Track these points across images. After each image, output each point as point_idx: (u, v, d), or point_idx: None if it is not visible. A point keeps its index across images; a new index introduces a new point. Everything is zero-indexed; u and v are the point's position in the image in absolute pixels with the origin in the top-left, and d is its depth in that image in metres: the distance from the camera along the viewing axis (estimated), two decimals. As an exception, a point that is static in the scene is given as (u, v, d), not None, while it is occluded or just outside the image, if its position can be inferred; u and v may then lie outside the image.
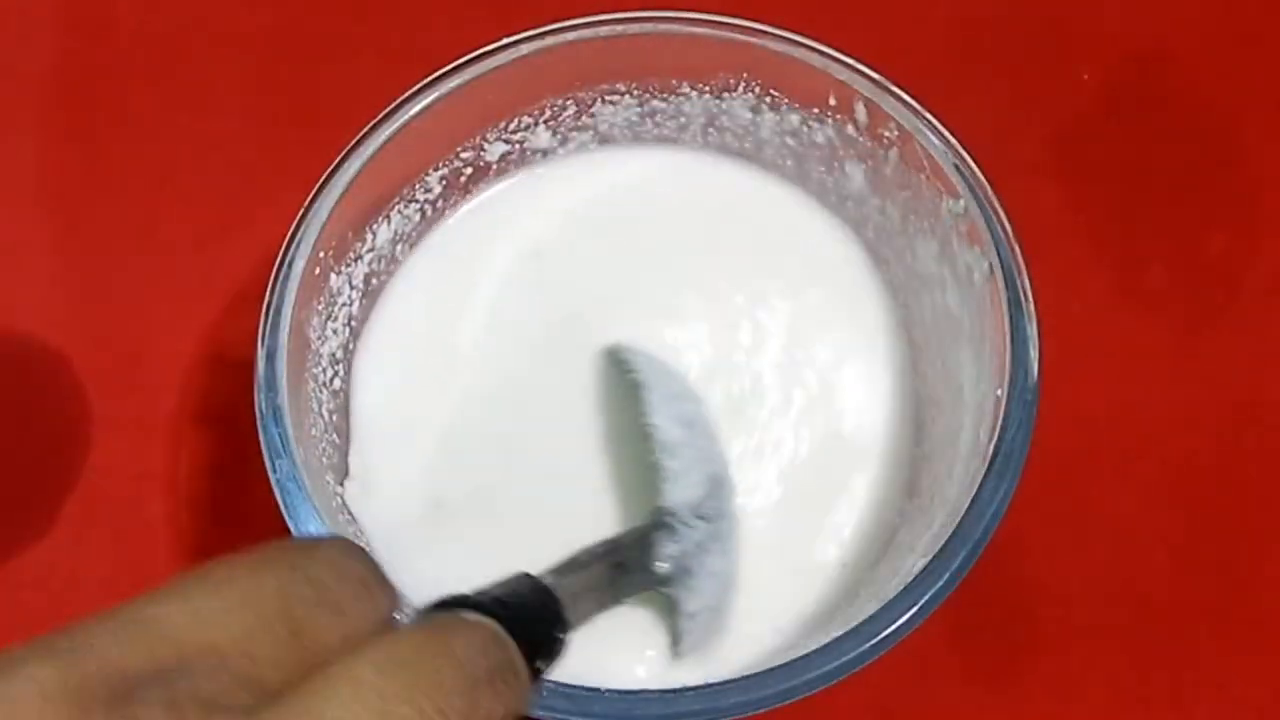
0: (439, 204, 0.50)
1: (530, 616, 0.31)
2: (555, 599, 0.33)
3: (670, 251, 0.50)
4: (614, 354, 0.47)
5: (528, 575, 0.33)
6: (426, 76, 0.46)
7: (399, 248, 0.49)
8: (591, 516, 0.45)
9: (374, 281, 0.48)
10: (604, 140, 0.51)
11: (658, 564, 0.42)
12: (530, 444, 0.47)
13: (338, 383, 0.47)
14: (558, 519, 0.45)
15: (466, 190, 0.50)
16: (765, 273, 0.50)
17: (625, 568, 0.40)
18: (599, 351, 0.48)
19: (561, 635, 0.32)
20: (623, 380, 0.46)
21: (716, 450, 0.46)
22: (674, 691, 0.38)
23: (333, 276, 0.46)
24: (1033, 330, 0.42)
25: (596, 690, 0.38)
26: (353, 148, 0.45)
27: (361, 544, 0.43)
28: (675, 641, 0.44)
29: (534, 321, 0.49)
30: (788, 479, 0.47)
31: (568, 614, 0.33)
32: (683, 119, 0.50)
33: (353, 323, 0.48)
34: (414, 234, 0.50)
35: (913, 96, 0.46)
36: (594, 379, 0.47)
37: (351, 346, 0.48)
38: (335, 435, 0.46)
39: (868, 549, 0.45)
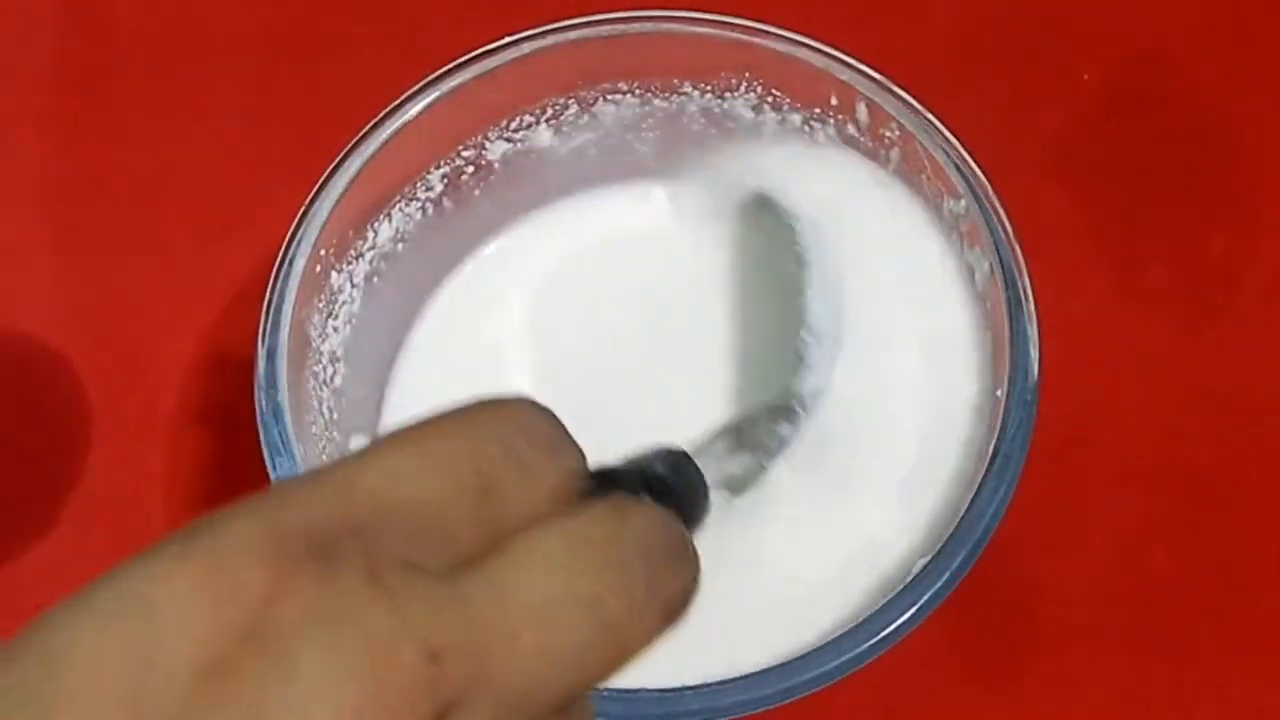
0: (444, 202, 0.50)
1: (689, 495, 0.31)
2: (703, 478, 0.33)
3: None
4: (766, 205, 0.46)
5: (680, 452, 0.33)
6: (427, 76, 0.46)
7: (400, 246, 0.49)
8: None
9: (375, 279, 0.48)
10: (605, 138, 0.51)
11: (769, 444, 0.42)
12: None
13: (339, 380, 0.47)
14: None
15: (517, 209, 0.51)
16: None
17: (742, 447, 0.40)
18: (744, 198, 0.47)
19: (706, 512, 0.33)
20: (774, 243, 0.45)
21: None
22: (673, 691, 0.38)
23: (334, 274, 0.46)
24: (1033, 330, 0.42)
25: (595, 689, 0.38)
26: (354, 146, 0.45)
27: None
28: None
29: (578, 320, 0.49)
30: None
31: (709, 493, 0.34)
32: (684, 118, 0.51)
33: (353, 321, 0.48)
34: (410, 237, 0.50)
35: (914, 96, 0.46)
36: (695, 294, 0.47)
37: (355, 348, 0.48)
38: (336, 433, 0.46)
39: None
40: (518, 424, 0.25)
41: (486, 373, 0.49)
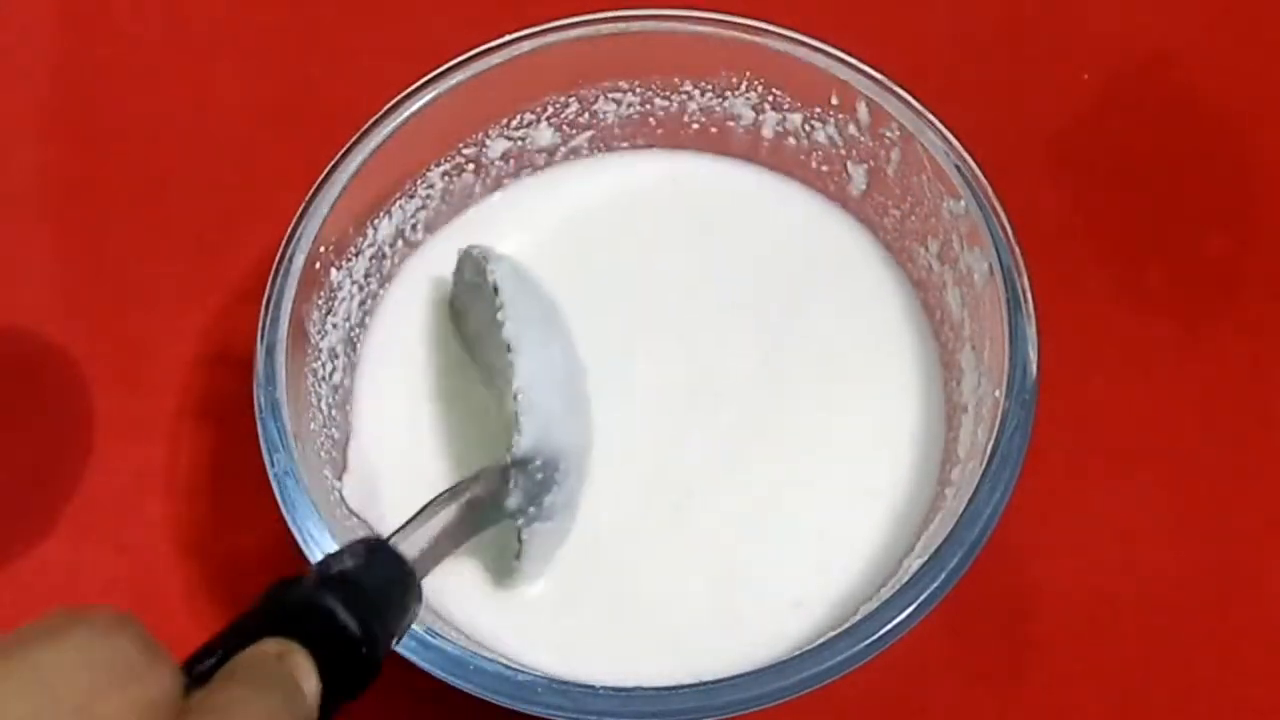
0: (443, 201, 0.50)
1: (383, 587, 0.33)
2: (412, 575, 0.35)
3: (682, 252, 0.50)
4: (475, 262, 0.45)
5: (376, 542, 0.35)
6: (427, 74, 0.46)
7: (400, 243, 0.49)
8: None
9: (375, 277, 0.48)
10: (605, 137, 0.51)
11: (509, 500, 0.42)
12: None
13: (337, 377, 0.47)
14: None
15: (469, 194, 0.51)
16: (785, 274, 0.50)
17: (475, 505, 0.41)
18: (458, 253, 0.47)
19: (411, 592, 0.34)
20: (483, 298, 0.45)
21: (577, 422, 0.45)
22: (669, 689, 0.38)
23: (333, 271, 0.46)
24: (1032, 331, 0.42)
25: (591, 688, 0.38)
26: (354, 143, 0.45)
27: (362, 534, 0.43)
28: (515, 557, 0.43)
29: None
30: (817, 471, 0.46)
31: (418, 572, 0.35)
32: (685, 117, 0.51)
33: (352, 318, 0.48)
34: (411, 235, 0.50)
35: (914, 96, 0.46)
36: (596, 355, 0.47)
37: (355, 344, 0.48)
38: (334, 430, 0.46)
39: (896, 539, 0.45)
40: (86, 660, 0.23)
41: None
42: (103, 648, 0.24)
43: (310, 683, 0.28)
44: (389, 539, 0.36)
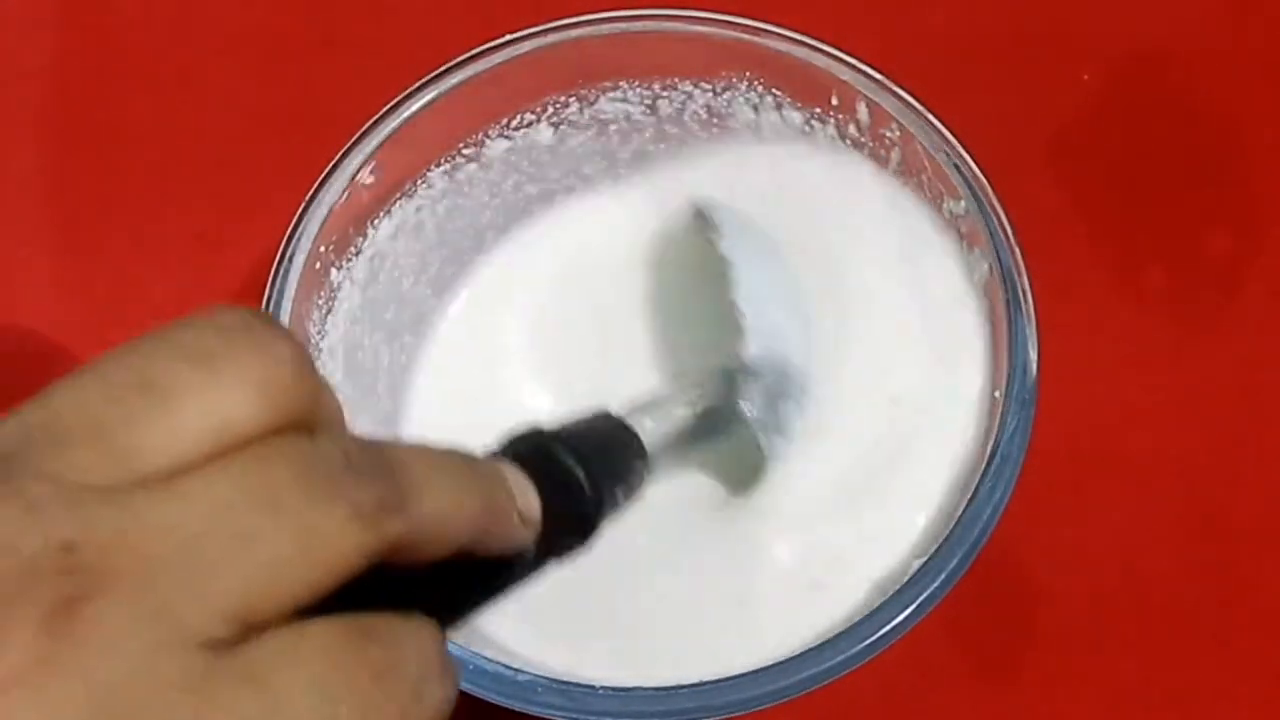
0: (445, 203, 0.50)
1: (607, 459, 0.31)
2: (637, 439, 0.33)
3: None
4: (703, 214, 0.46)
5: (609, 414, 0.33)
6: (427, 74, 0.46)
7: (400, 243, 0.49)
8: None
9: (376, 276, 0.48)
10: (605, 135, 0.51)
11: (744, 406, 0.41)
12: None
13: (337, 377, 0.47)
14: None
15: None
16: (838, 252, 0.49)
17: (710, 413, 0.40)
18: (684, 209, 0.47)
19: (641, 475, 0.33)
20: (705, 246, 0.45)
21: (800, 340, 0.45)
22: (669, 689, 0.38)
23: (333, 271, 0.46)
24: (1031, 331, 0.42)
25: (591, 688, 0.38)
26: (354, 143, 0.45)
27: None
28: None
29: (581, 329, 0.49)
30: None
31: (650, 460, 0.34)
32: (685, 117, 0.51)
33: (353, 318, 0.48)
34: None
35: (914, 96, 0.46)
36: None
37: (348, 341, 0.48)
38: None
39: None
40: (203, 326, 0.22)
41: (498, 378, 0.49)
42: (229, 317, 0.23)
43: (531, 497, 0.26)
44: (620, 416, 0.34)
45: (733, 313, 0.42)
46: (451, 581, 0.25)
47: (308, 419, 0.23)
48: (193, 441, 0.21)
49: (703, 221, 0.46)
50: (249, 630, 0.20)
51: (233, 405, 0.22)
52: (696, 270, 0.46)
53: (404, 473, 0.23)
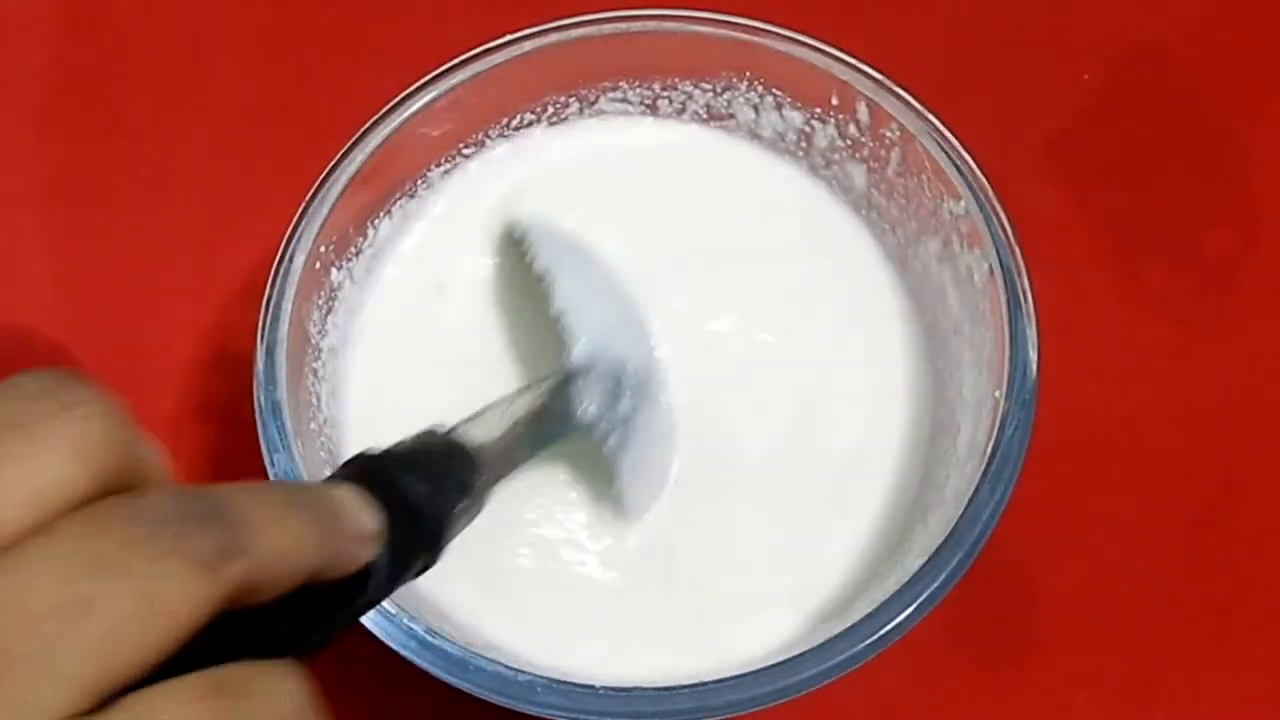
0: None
1: (435, 473, 0.31)
2: (464, 450, 0.34)
3: (668, 227, 0.50)
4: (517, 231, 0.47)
5: (433, 431, 0.34)
6: (427, 74, 0.46)
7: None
8: None
9: (375, 276, 0.48)
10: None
11: (576, 409, 0.42)
12: None
13: (337, 378, 0.47)
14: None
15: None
16: (771, 251, 0.49)
17: (542, 414, 0.41)
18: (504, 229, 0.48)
19: (475, 482, 0.33)
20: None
21: (630, 334, 0.45)
22: (669, 689, 0.38)
23: (333, 271, 0.46)
24: (1031, 331, 0.42)
25: (591, 688, 0.38)
26: (355, 142, 0.45)
27: None
28: (618, 502, 0.44)
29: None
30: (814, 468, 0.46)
31: (490, 471, 0.34)
32: (685, 117, 0.51)
33: (352, 317, 0.48)
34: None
35: (914, 96, 0.46)
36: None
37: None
38: (334, 430, 0.46)
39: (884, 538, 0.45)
40: (5, 395, 0.22)
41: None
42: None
43: (367, 514, 0.26)
44: (446, 430, 0.35)
45: (557, 320, 0.43)
46: (305, 612, 0.25)
47: (129, 475, 0.22)
48: (14, 515, 0.21)
49: (517, 241, 0.47)
50: (105, 699, 0.20)
51: (49, 472, 0.21)
52: (525, 287, 0.47)
53: (236, 515, 0.22)
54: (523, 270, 0.47)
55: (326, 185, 0.45)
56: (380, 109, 0.46)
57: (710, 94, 0.50)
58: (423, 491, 0.30)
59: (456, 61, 0.47)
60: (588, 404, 0.42)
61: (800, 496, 0.46)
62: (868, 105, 0.47)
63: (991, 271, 0.43)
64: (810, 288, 0.49)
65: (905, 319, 0.48)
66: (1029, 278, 0.43)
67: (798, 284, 0.49)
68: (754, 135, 0.50)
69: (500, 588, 0.44)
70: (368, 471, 0.29)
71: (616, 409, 0.43)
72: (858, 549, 0.45)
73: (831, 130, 0.48)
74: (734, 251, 0.49)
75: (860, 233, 0.50)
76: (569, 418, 0.42)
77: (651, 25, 0.47)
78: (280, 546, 0.23)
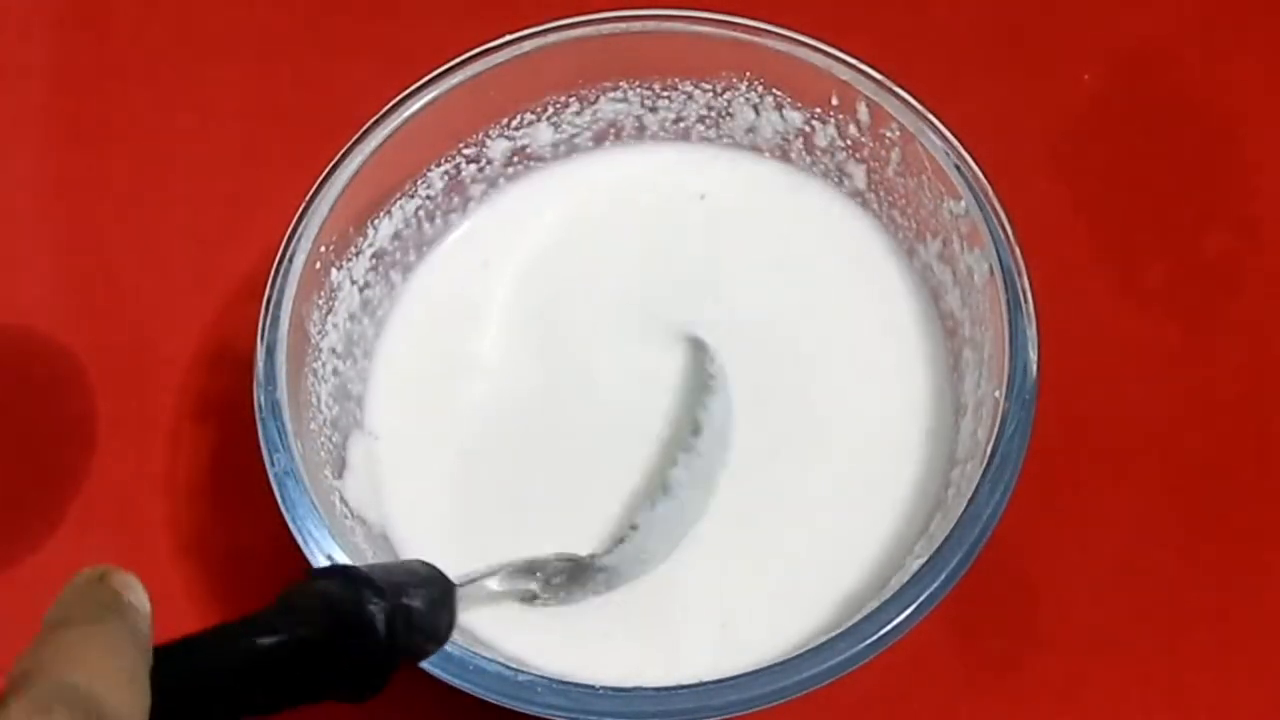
0: (442, 202, 0.50)
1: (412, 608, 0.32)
2: (450, 594, 0.35)
3: (688, 245, 0.50)
4: (699, 353, 0.47)
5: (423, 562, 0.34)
6: (427, 74, 0.46)
7: (400, 243, 0.49)
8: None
9: (376, 276, 0.48)
10: (604, 137, 0.51)
11: (542, 588, 0.43)
12: (558, 440, 0.47)
13: (337, 378, 0.47)
14: (580, 511, 0.45)
15: (472, 194, 0.51)
16: (791, 265, 0.50)
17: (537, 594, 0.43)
18: (681, 336, 0.48)
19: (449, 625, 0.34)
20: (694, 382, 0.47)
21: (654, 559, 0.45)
22: (669, 689, 0.38)
23: (333, 271, 0.46)
24: (1032, 331, 0.42)
25: (591, 688, 0.38)
26: (354, 143, 0.45)
27: (360, 535, 0.43)
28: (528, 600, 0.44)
29: (551, 322, 0.49)
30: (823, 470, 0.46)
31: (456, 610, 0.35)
32: (686, 117, 0.51)
33: (352, 317, 0.48)
34: (419, 236, 0.50)
35: (914, 96, 0.46)
36: (629, 372, 0.48)
37: (363, 345, 0.48)
38: (334, 430, 0.46)
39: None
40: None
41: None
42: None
43: (139, 594, 0.27)
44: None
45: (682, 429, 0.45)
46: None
47: None
48: None
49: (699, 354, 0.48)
50: None
51: None
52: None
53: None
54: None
55: (326, 185, 0.45)
56: (380, 109, 0.46)
57: (710, 94, 0.50)
58: (387, 626, 0.30)
59: (456, 61, 0.47)
60: (554, 589, 0.43)
61: (817, 499, 0.46)
62: (868, 105, 0.47)
63: (991, 271, 0.43)
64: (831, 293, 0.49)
65: (920, 320, 0.48)
66: (1029, 278, 0.43)
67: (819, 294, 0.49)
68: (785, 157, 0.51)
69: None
70: (346, 590, 0.30)
71: (573, 595, 0.43)
72: (872, 551, 0.45)
73: (831, 130, 0.48)
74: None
75: (874, 232, 0.50)
76: (531, 591, 0.43)
77: (651, 25, 0.47)
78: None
